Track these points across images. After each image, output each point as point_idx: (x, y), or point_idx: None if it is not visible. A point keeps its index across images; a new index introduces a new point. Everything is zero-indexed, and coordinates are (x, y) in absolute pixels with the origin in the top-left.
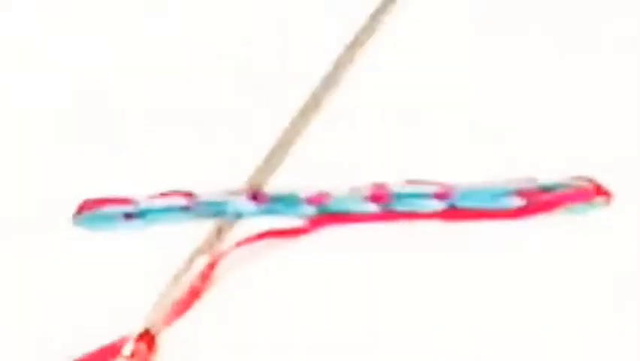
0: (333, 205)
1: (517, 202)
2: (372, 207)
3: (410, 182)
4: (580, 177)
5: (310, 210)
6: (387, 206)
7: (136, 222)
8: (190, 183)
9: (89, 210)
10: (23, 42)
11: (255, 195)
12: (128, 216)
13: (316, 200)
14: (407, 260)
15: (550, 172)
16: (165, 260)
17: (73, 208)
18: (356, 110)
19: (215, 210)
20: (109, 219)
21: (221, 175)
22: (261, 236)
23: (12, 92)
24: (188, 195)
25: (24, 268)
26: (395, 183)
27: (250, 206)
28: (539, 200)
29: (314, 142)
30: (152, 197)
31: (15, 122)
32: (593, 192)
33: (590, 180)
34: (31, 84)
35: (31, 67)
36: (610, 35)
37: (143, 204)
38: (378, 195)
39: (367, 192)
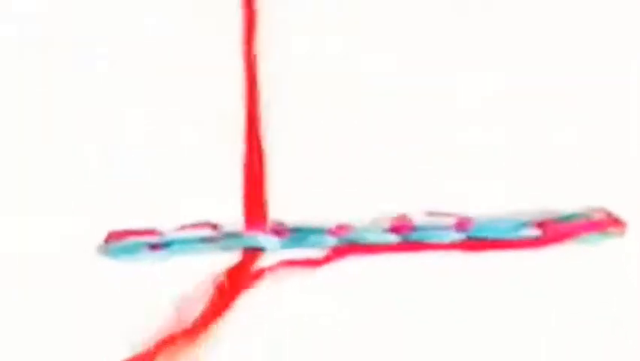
0: (354, 236)
1: (534, 233)
2: (393, 238)
3: (430, 213)
4: (594, 208)
5: (332, 241)
6: (407, 237)
7: (161, 253)
8: (215, 215)
9: (115, 241)
10: None
11: (277, 228)
12: (153, 247)
13: (337, 231)
14: (427, 290)
15: (565, 203)
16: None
17: (100, 240)
18: (376, 141)
19: (238, 242)
20: (135, 249)
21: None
22: (282, 265)
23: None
24: (213, 226)
25: (53, 302)
26: (416, 214)
27: (272, 239)
28: (555, 230)
29: (335, 173)
30: (178, 228)
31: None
32: (608, 223)
33: (604, 211)
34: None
35: None
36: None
37: (168, 235)
38: (399, 227)
39: (388, 224)
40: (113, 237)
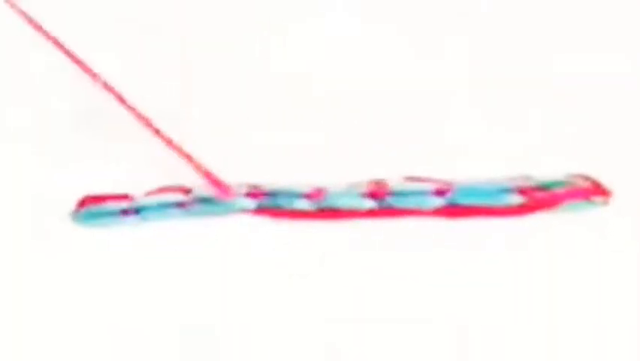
0: (330, 201)
1: (517, 200)
2: (370, 204)
3: (409, 179)
4: (579, 175)
5: (306, 204)
6: (385, 203)
7: (133, 219)
8: (188, 178)
9: (88, 207)
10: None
11: (252, 192)
12: (125, 212)
13: (313, 195)
14: (404, 258)
15: (549, 169)
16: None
17: (72, 205)
18: (353, 107)
19: (212, 206)
20: (107, 215)
21: (217, 170)
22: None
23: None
24: (186, 190)
25: (24, 266)
26: (393, 179)
27: (247, 202)
28: (538, 197)
29: (312, 138)
30: (149, 193)
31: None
32: (592, 191)
33: (589, 179)
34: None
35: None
36: (610, 32)
37: (140, 201)
38: (377, 192)
39: (365, 189)
40: (86, 202)
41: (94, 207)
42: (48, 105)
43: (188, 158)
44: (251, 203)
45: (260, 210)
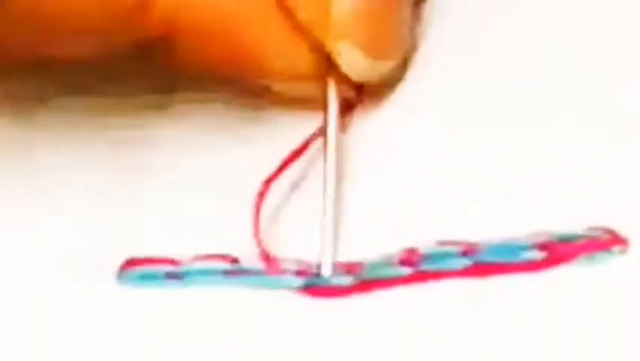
0: (368, 273)
1: (538, 255)
2: (404, 271)
3: (438, 243)
4: (598, 228)
5: (347, 280)
6: (417, 268)
7: (177, 283)
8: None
9: (134, 268)
10: None
11: (301, 269)
12: (171, 275)
13: (352, 270)
14: (438, 318)
15: (567, 223)
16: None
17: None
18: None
19: (258, 279)
20: (152, 278)
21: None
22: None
23: None
24: (232, 259)
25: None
26: (424, 245)
27: (293, 280)
28: (558, 251)
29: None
30: (196, 258)
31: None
32: (610, 241)
33: (607, 229)
34: None
35: None
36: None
37: (186, 266)
38: (410, 258)
39: (399, 257)
40: (131, 264)
41: (140, 269)
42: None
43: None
44: (297, 281)
45: (305, 290)
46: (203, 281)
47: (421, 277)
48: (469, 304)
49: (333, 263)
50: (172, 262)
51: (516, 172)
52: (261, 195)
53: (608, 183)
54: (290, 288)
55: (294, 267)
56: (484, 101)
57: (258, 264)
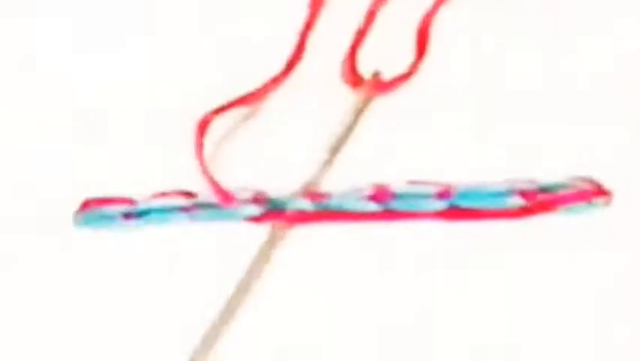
0: (333, 203)
1: (518, 202)
2: (373, 207)
3: (411, 182)
4: (580, 178)
5: (310, 206)
6: (387, 205)
7: (135, 222)
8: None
9: (90, 210)
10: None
11: (257, 197)
12: (127, 215)
13: (315, 198)
14: (406, 260)
15: (550, 172)
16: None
17: (75, 208)
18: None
19: (216, 212)
20: (109, 218)
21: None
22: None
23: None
24: (189, 195)
25: (26, 268)
26: (396, 183)
27: (251, 209)
28: (539, 200)
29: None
30: (152, 196)
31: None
32: (593, 193)
33: (590, 181)
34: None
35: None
36: (609, 36)
37: (143, 204)
38: (379, 195)
39: (368, 192)
40: (88, 205)
41: (96, 210)
42: (54, 106)
43: (201, 164)
44: (255, 210)
45: (263, 217)
46: (163, 219)
47: (389, 215)
48: (441, 248)
49: (296, 191)
50: (129, 201)
51: (498, 118)
52: (204, 125)
53: (593, 133)
54: (249, 218)
55: (249, 195)
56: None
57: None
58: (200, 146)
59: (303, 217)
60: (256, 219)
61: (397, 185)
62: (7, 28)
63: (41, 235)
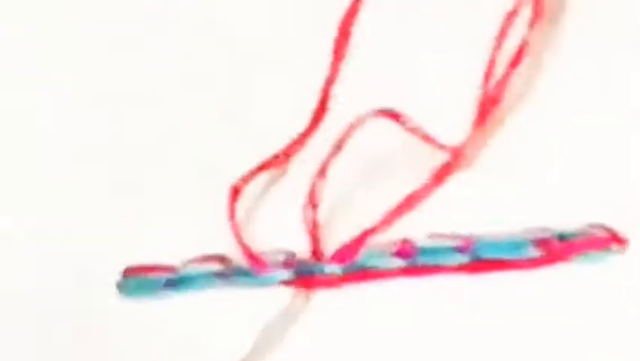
0: (360, 263)
1: (535, 252)
2: (399, 263)
3: (433, 235)
4: (596, 225)
5: (338, 269)
6: (413, 261)
7: (176, 290)
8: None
9: (133, 277)
10: None
11: (287, 261)
12: (170, 283)
13: (344, 260)
14: (432, 314)
15: (565, 219)
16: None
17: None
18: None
19: (250, 278)
20: (152, 286)
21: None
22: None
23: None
24: (223, 260)
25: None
26: (419, 237)
27: (283, 273)
28: (556, 249)
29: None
30: (190, 262)
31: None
32: (608, 240)
33: (606, 228)
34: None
35: None
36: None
37: (182, 271)
38: (405, 251)
39: (394, 248)
40: (130, 272)
41: (139, 278)
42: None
43: (235, 231)
44: (287, 273)
45: (295, 281)
46: (201, 286)
47: (416, 270)
48: (465, 300)
49: (323, 252)
50: (169, 268)
51: (515, 167)
52: (236, 192)
53: (608, 180)
54: (282, 282)
55: (280, 259)
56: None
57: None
58: (232, 212)
59: (333, 281)
60: (287, 283)
61: (419, 239)
62: None
63: (86, 305)
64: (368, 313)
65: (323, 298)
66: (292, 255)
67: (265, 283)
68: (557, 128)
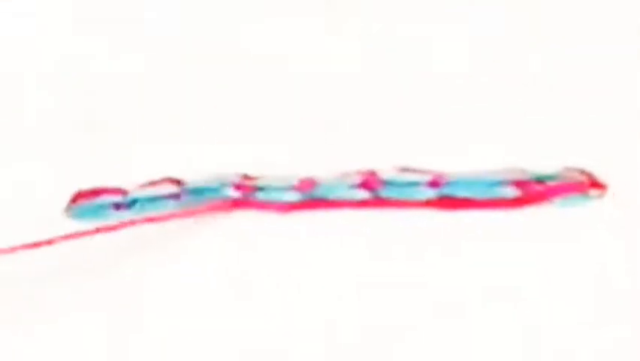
0: (321, 192)
1: (512, 192)
2: (362, 195)
3: (402, 169)
4: (575, 169)
5: (297, 196)
6: (377, 193)
7: (126, 213)
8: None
9: (82, 202)
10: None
11: (240, 184)
12: (118, 206)
13: (303, 187)
14: (396, 249)
15: (544, 162)
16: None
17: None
18: (347, 97)
19: (203, 197)
20: (100, 209)
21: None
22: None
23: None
24: (178, 182)
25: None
26: (386, 170)
27: (235, 193)
28: (533, 191)
29: (303, 127)
30: (143, 186)
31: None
32: (588, 184)
33: (585, 172)
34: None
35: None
36: (608, 27)
37: (134, 194)
38: (369, 182)
39: (357, 179)
40: (80, 197)
41: (88, 202)
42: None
43: None
44: (239, 194)
45: (247, 203)
46: (153, 207)
47: (379, 203)
48: (431, 238)
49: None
50: (119, 191)
51: (495, 108)
52: None
53: (589, 123)
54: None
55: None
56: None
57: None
58: None
59: (291, 207)
60: (237, 203)
61: (387, 172)
62: None
63: (35, 228)
64: (322, 242)
65: (278, 223)
66: (249, 177)
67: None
68: (537, 72)
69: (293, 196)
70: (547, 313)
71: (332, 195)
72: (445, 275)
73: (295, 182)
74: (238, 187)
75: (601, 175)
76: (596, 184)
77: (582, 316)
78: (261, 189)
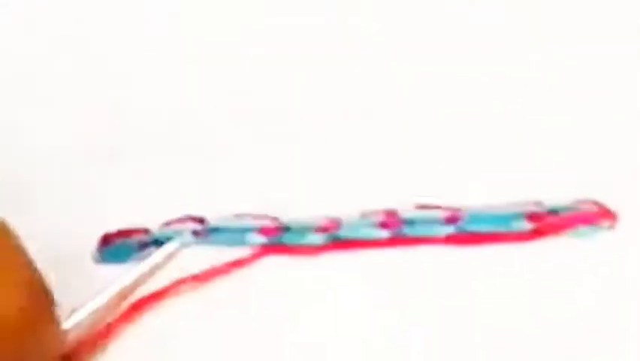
0: (344, 232)
1: (526, 226)
2: (384, 234)
3: (420, 206)
4: (587, 200)
5: (320, 238)
6: (398, 232)
7: (149, 251)
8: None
9: (110, 245)
10: None
11: (263, 228)
12: (144, 245)
13: (326, 227)
14: (418, 285)
15: (556, 194)
16: None
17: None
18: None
19: (223, 237)
20: (128, 251)
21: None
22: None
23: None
24: (199, 220)
25: None
26: (405, 208)
27: (259, 238)
28: (547, 223)
29: (323, 169)
30: (165, 224)
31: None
32: (599, 215)
33: (597, 203)
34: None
35: None
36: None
37: (157, 233)
38: (390, 222)
39: (378, 218)
40: (108, 239)
41: (117, 244)
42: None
43: None
44: (262, 238)
45: (272, 248)
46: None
47: (400, 241)
48: (451, 273)
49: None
50: (145, 231)
51: (507, 140)
52: None
53: (599, 156)
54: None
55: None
56: (481, 66)
57: (225, 222)
58: None
59: (318, 249)
60: (266, 248)
61: (405, 210)
62: None
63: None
64: (348, 283)
65: (303, 266)
66: (275, 220)
67: (242, 243)
68: (548, 105)
69: (319, 238)
70: (564, 343)
71: (355, 235)
72: (462, 309)
73: (320, 222)
74: (262, 231)
75: (612, 206)
76: (606, 214)
77: (601, 349)
78: (287, 230)
